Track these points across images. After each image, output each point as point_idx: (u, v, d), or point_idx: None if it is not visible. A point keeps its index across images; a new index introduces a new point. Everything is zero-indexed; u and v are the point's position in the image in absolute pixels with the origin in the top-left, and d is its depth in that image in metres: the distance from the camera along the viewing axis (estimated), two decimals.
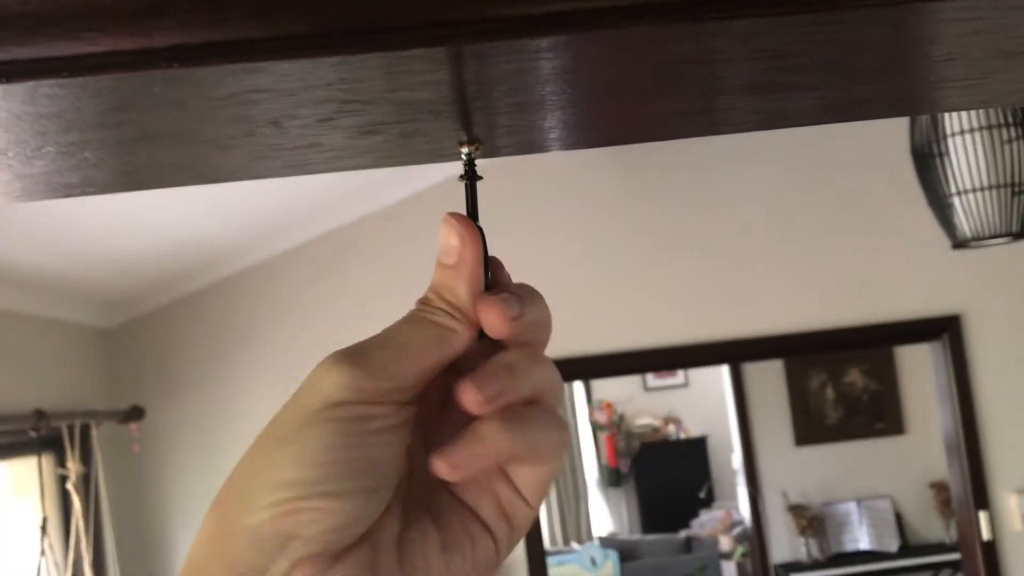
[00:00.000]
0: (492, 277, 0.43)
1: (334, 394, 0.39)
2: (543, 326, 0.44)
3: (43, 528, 2.94)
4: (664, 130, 0.49)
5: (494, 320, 0.41)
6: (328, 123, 0.39)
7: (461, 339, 0.42)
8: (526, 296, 0.43)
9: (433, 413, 0.43)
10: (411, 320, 0.42)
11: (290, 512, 0.38)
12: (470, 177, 0.44)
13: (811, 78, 0.42)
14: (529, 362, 0.42)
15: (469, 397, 0.40)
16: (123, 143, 0.39)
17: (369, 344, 0.40)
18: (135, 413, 3.55)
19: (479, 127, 0.43)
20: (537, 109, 0.41)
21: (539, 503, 0.44)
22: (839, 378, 6.11)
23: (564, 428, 0.43)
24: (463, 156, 0.44)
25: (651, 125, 0.47)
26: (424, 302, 0.42)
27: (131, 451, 3.62)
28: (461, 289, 0.42)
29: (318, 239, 3.76)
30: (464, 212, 0.43)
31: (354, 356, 0.40)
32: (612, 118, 0.44)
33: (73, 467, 3.15)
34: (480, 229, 0.42)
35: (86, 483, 3.27)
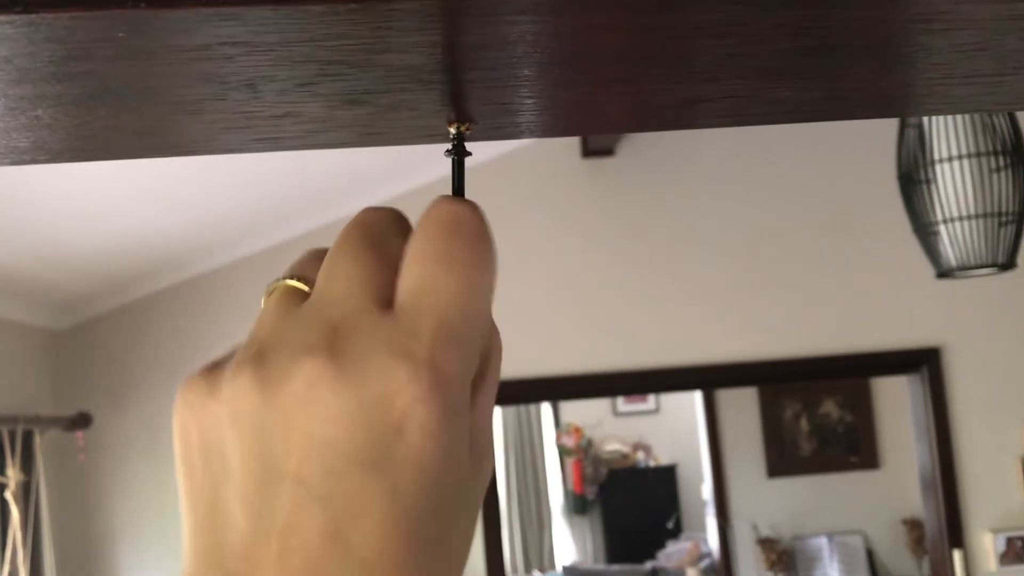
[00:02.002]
0: None
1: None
2: None
3: None
4: (669, 118, 0.47)
5: None
6: (308, 88, 0.37)
7: None
8: None
9: None
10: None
11: None
12: (458, 152, 0.42)
13: (831, 64, 0.40)
14: None
15: None
16: (81, 100, 0.37)
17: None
18: (82, 420, 3.49)
19: (471, 103, 0.41)
20: (536, 84, 0.39)
21: None
22: (814, 409, 6.14)
23: None
24: (451, 135, 0.42)
25: (655, 112, 0.45)
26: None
27: (76, 460, 3.55)
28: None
29: (282, 244, 3.72)
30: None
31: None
32: (605, 100, 0.42)
33: (13, 475, 3.08)
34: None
35: (26, 492, 3.20)
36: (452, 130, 0.42)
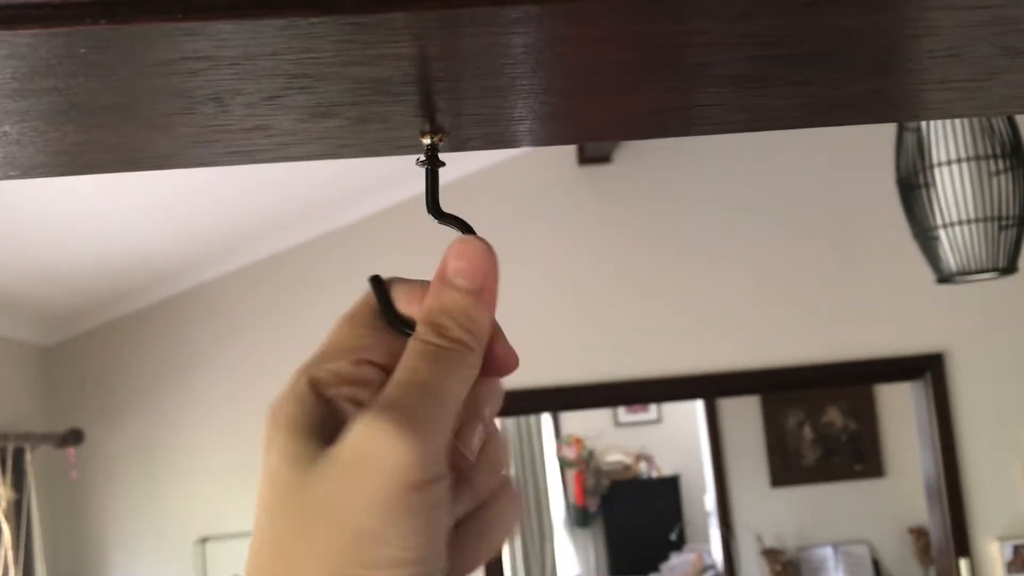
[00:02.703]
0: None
1: (410, 474, 0.34)
2: None
3: None
4: (640, 127, 0.47)
5: (513, 365, 0.42)
6: (275, 102, 0.38)
7: (476, 373, 0.40)
8: None
9: None
10: (441, 360, 0.38)
11: None
12: (431, 162, 0.42)
13: (801, 71, 0.40)
14: (499, 399, 0.43)
15: (465, 461, 0.40)
16: (48, 116, 0.37)
17: (412, 399, 0.36)
18: (73, 437, 3.48)
19: (443, 115, 0.41)
20: (506, 95, 0.40)
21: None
22: (817, 417, 6.13)
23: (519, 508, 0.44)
24: (424, 147, 0.43)
25: (628, 120, 0.45)
26: (440, 330, 0.38)
27: (68, 478, 3.54)
28: (483, 320, 0.39)
29: (273, 257, 3.72)
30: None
31: (413, 423, 0.35)
32: (587, 109, 0.43)
33: (3, 493, 3.08)
34: (444, 216, 0.41)
35: (17, 510, 3.20)
36: (425, 142, 0.43)
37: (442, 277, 0.39)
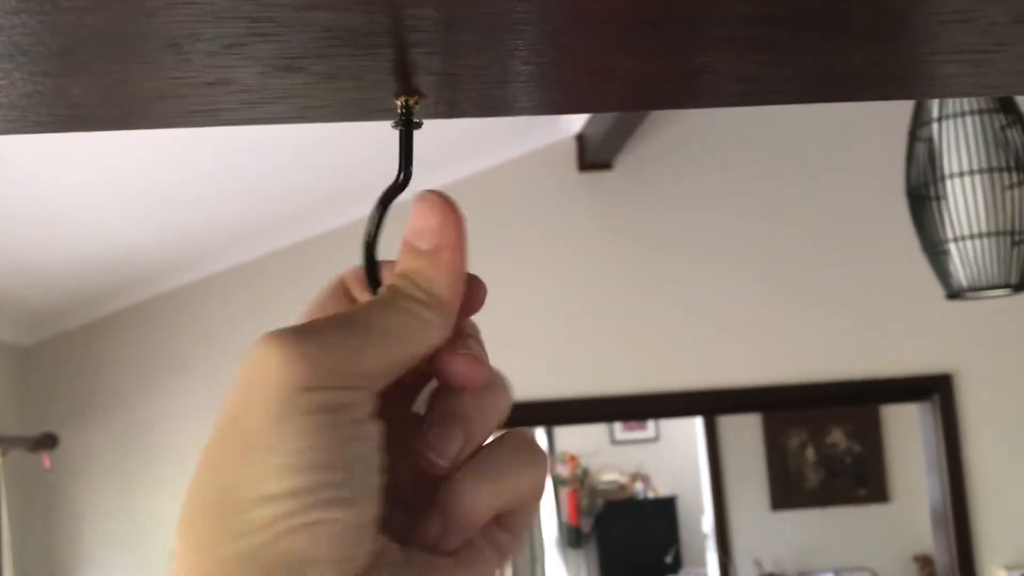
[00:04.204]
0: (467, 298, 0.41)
1: (293, 378, 0.34)
2: None
3: None
4: (639, 95, 0.46)
5: (470, 373, 0.40)
6: (237, 50, 0.36)
7: (437, 336, 0.38)
8: (479, 336, 0.42)
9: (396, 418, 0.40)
10: (380, 304, 0.38)
11: (294, 529, 0.34)
12: (406, 124, 0.41)
13: (800, 36, 0.39)
14: (490, 395, 0.40)
15: (432, 466, 0.39)
16: None
17: (321, 321, 0.37)
18: (48, 441, 3.46)
19: (419, 74, 0.40)
20: (487, 52, 0.38)
21: (527, 532, 0.42)
22: (820, 438, 6.12)
23: (540, 454, 0.41)
24: (398, 109, 0.41)
25: (625, 87, 0.44)
26: (394, 289, 0.38)
27: (42, 482, 3.52)
28: (439, 279, 0.38)
29: (257, 261, 3.71)
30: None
31: (301, 332, 0.35)
32: (576, 72, 0.42)
33: None
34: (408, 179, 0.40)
35: None
36: (399, 104, 0.41)
37: (404, 239, 0.39)
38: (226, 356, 3.66)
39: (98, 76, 0.38)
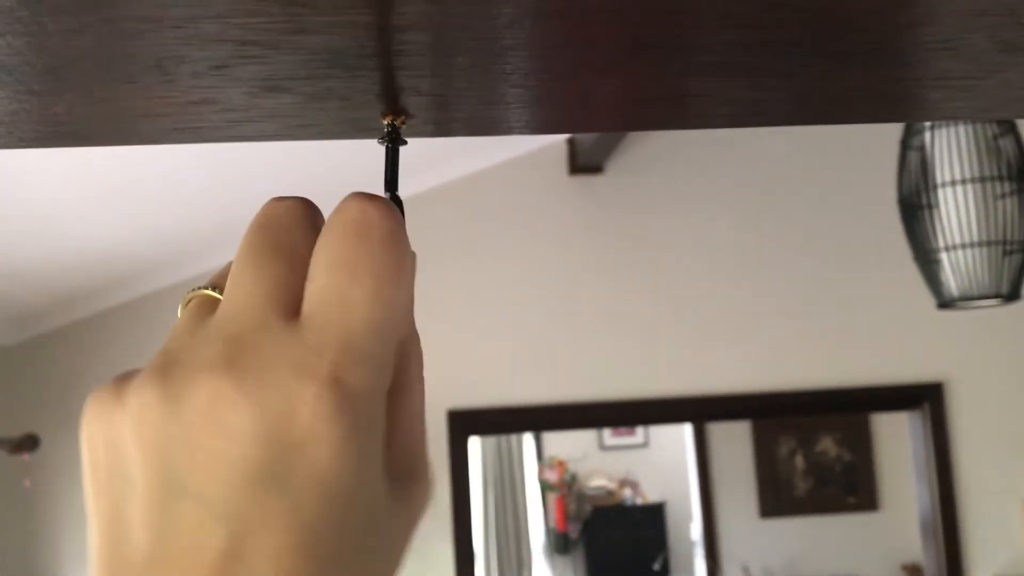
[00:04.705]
0: None
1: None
2: None
3: None
4: (628, 118, 0.46)
5: None
6: (223, 72, 0.36)
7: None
8: None
9: None
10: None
11: None
12: (392, 140, 0.41)
13: (786, 61, 0.39)
14: None
15: None
16: None
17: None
18: (29, 442, 3.45)
19: (406, 94, 0.40)
20: (474, 75, 0.39)
21: None
22: (810, 446, 6.13)
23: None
24: (385, 129, 0.42)
25: (614, 110, 0.44)
26: None
27: (21, 485, 3.51)
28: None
29: None
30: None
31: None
32: (569, 96, 0.42)
33: None
34: (399, 201, 0.40)
35: None
36: (385, 124, 0.42)
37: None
38: None
39: (83, 95, 0.38)
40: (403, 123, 0.42)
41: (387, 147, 0.42)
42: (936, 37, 0.37)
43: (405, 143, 0.42)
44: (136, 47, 0.34)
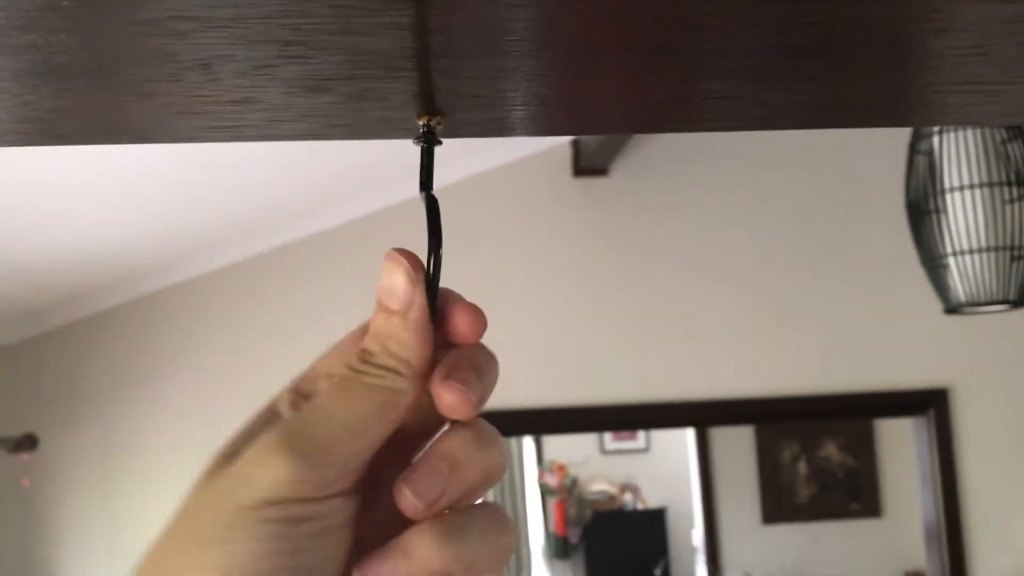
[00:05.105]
0: (442, 314, 0.41)
1: (270, 491, 0.37)
2: (489, 395, 0.43)
3: None
4: (653, 119, 0.47)
5: (456, 404, 0.40)
6: (266, 71, 0.37)
7: (408, 398, 0.40)
8: (484, 366, 0.42)
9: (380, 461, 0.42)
10: (351, 388, 0.39)
11: None
12: (427, 140, 0.42)
13: (811, 65, 0.40)
14: (476, 447, 0.41)
15: (407, 504, 0.39)
16: (23, 76, 0.37)
17: (309, 424, 0.38)
18: (27, 442, 3.45)
19: (442, 95, 0.41)
20: (508, 76, 0.40)
21: None
22: (813, 451, 6.14)
23: (510, 533, 0.41)
24: (420, 129, 0.43)
25: (634, 111, 0.45)
26: (365, 357, 0.40)
27: (20, 485, 3.51)
28: (410, 340, 0.40)
29: (246, 261, 3.71)
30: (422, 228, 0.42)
31: (295, 443, 0.37)
32: (590, 96, 0.43)
33: None
34: (439, 236, 0.41)
35: None
36: (421, 124, 0.43)
37: (376, 297, 0.40)
38: (209, 358, 3.67)
39: (125, 92, 0.39)
40: (438, 123, 0.43)
41: (423, 147, 0.42)
42: (966, 44, 0.38)
43: (440, 143, 0.43)
44: (182, 46, 0.35)
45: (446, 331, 0.41)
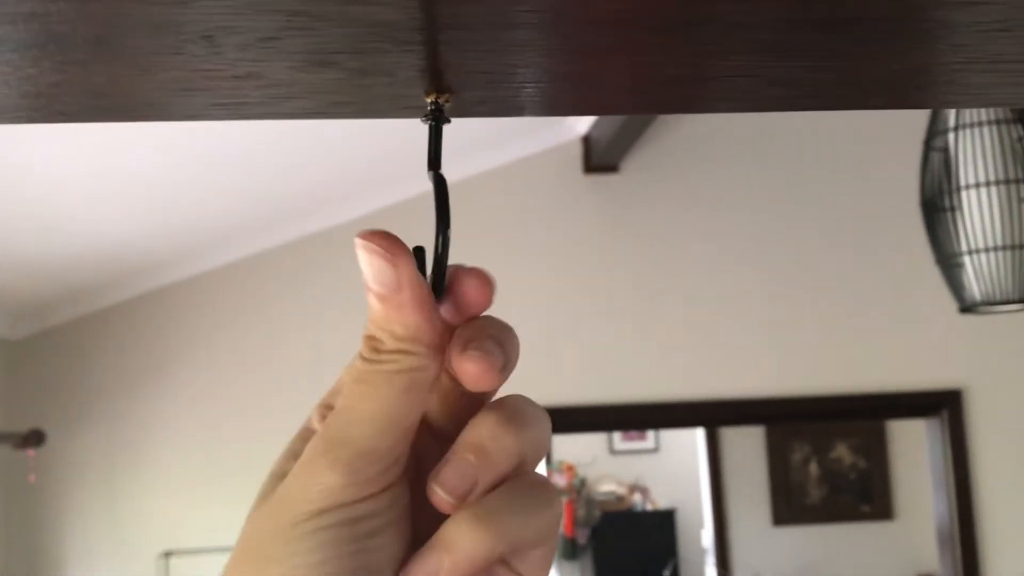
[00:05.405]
0: (451, 288, 0.40)
1: (320, 500, 0.37)
2: (514, 365, 0.42)
3: None
4: (673, 98, 0.46)
5: (479, 373, 0.39)
6: (271, 44, 0.37)
7: (429, 374, 0.39)
8: (503, 335, 0.41)
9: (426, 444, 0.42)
10: (369, 380, 0.38)
11: None
12: (435, 118, 0.41)
13: (834, 41, 0.39)
14: (506, 430, 0.39)
15: (439, 500, 0.39)
16: (23, 49, 0.36)
17: (341, 428, 0.38)
18: (34, 438, 3.46)
19: (451, 71, 0.40)
20: (519, 51, 0.39)
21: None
22: (824, 452, 6.12)
23: (555, 499, 0.41)
24: (428, 107, 0.42)
25: (660, 90, 0.44)
26: (374, 346, 0.39)
27: (26, 481, 3.52)
28: (412, 318, 0.38)
29: (254, 257, 3.72)
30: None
31: (333, 450, 0.38)
32: (603, 73, 0.42)
33: None
34: (447, 216, 0.40)
35: None
36: (429, 101, 0.42)
37: (367, 287, 0.39)
38: (216, 355, 3.67)
39: (127, 66, 0.39)
40: (447, 101, 0.42)
41: (431, 125, 0.42)
42: (994, 18, 0.37)
43: (448, 122, 0.42)
44: (186, 15, 0.34)
45: (458, 305, 0.40)
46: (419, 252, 0.40)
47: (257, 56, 0.38)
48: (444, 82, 0.41)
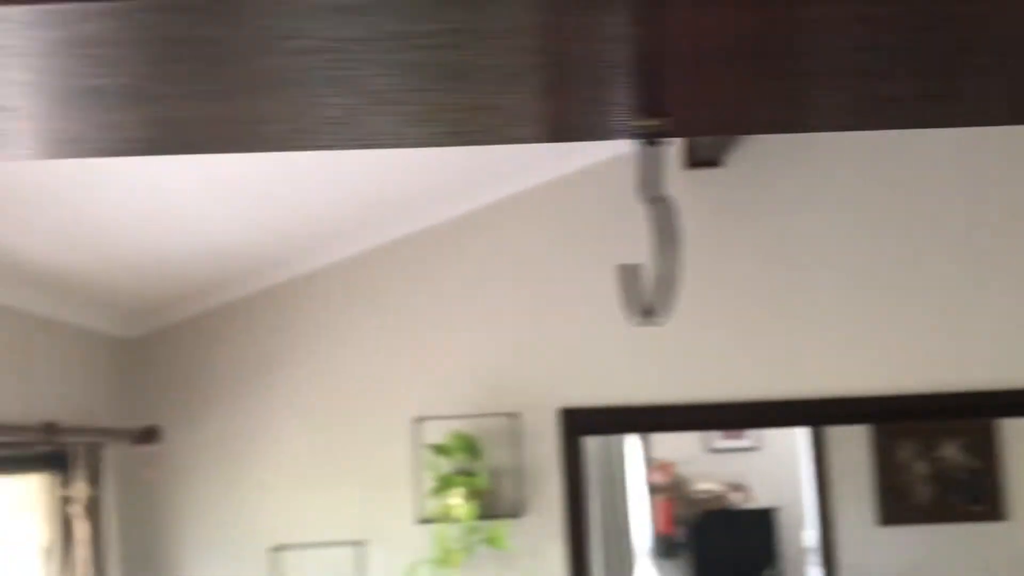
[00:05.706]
0: None
1: None
2: None
3: (45, 553, 2.96)
4: (763, 119, 0.48)
5: None
6: (512, 79, 0.40)
7: None
8: None
9: None
10: None
11: None
12: (649, 143, 0.44)
13: (921, 63, 0.41)
14: None
15: None
16: (210, 97, 0.40)
17: None
18: (151, 434, 3.58)
19: (665, 97, 0.43)
20: (735, 78, 0.41)
21: None
22: (933, 451, 5.99)
23: None
24: (642, 130, 0.45)
25: (755, 112, 0.47)
26: None
27: (143, 477, 3.64)
28: None
29: (358, 256, 3.78)
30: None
31: None
32: (715, 98, 0.44)
33: (80, 489, 3.18)
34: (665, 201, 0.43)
35: (93, 508, 3.29)
36: (643, 125, 0.45)
37: None
38: (327, 351, 3.75)
39: (369, 100, 0.42)
40: (660, 125, 0.45)
41: (644, 146, 0.45)
42: None
43: (662, 144, 0.45)
44: (468, 56, 0.38)
45: None
46: (634, 269, 0.43)
47: (497, 89, 0.41)
48: (657, 107, 0.44)
